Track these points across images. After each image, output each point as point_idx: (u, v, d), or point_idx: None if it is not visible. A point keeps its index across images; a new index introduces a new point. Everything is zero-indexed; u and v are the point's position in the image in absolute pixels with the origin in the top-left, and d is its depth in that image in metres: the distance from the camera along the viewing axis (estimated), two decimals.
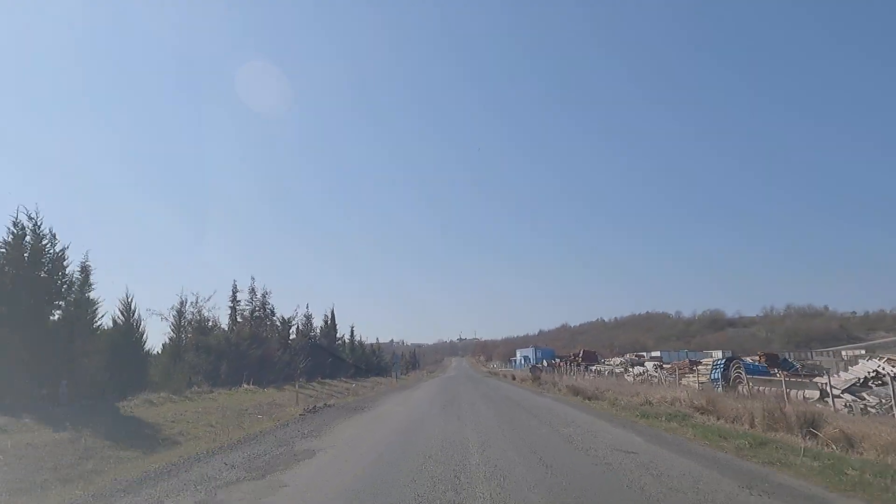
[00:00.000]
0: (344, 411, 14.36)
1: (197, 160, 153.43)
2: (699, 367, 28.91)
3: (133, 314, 16.91)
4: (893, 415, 12.25)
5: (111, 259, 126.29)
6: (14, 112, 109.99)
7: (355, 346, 53.72)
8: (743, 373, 22.71)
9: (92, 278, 17.64)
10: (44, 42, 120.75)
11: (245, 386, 19.99)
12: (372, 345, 65.87)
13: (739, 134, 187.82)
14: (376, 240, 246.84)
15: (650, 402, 16.64)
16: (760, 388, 20.07)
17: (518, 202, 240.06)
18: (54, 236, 13.11)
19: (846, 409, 15.81)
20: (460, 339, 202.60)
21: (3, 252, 12.26)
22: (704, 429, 9.62)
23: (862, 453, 7.53)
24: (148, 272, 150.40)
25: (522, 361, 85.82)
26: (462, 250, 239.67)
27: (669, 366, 34.17)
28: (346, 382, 33.45)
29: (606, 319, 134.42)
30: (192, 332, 25.02)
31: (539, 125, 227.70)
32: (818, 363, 37.31)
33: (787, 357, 33.81)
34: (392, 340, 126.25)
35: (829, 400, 16.20)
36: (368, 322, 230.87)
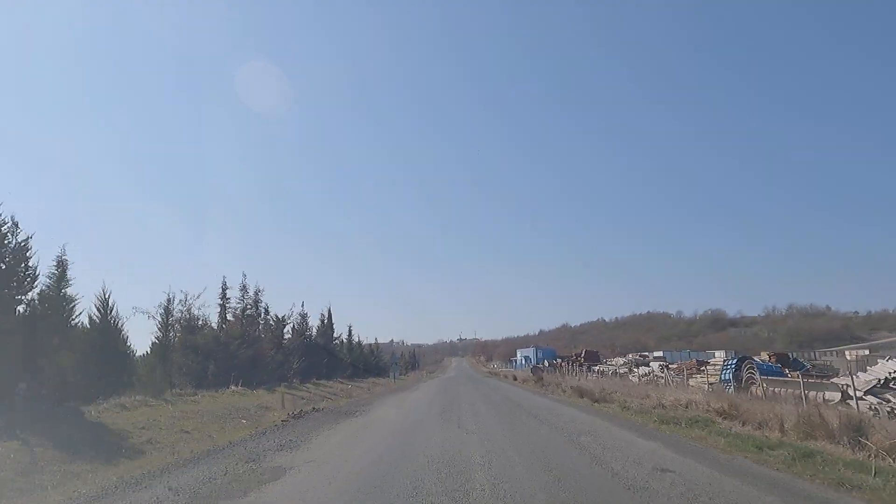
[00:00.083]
0: (333, 416, 13.17)
1: (197, 160, 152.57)
2: (707, 367, 27.88)
3: (111, 311, 15.84)
4: None
5: (111, 259, 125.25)
6: (14, 112, 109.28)
7: (353, 346, 52.64)
8: (756, 373, 21.63)
9: (70, 273, 16.72)
10: (44, 42, 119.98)
11: (233, 388, 18.92)
12: (370, 345, 64.83)
13: (739, 134, 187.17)
14: (376, 240, 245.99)
15: (663, 405, 15.61)
16: (775, 389, 19.04)
17: (518, 202, 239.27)
18: (16, 225, 12.03)
19: (871, 413, 14.77)
20: (460, 340, 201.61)
21: None
22: (734, 437, 8.57)
23: None
24: (148, 272, 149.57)
25: (523, 362, 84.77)
26: (462, 250, 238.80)
27: (676, 366, 33.07)
28: (342, 383, 32.37)
29: (607, 319, 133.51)
30: (181, 331, 23.98)
31: (539, 125, 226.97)
32: (828, 363, 36.29)
33: (797, 357, 32.78)
34: (392, 341, 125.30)
35: (853, 402, 15.15)
36: (368, 322, 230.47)
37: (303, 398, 19.92)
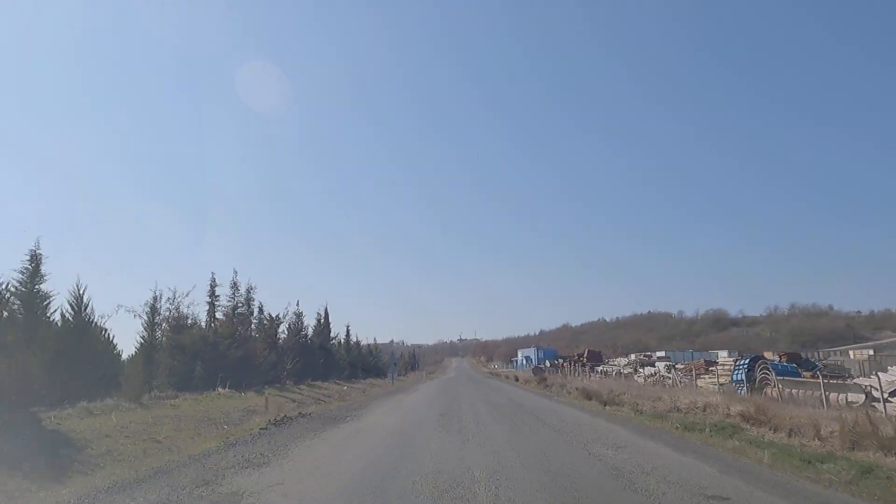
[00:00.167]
0: (320, 422, 11.97)
1: (197, 160, 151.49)
2: (716, 367, 26.83)
3: (85, 308, 14.78)
4: None
5: (111, 259, 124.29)
6: (14, 112, 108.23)
7: (351, 347, 51.57)
8: (771, 374, 20.55)
9: (44, 268, 15.67)
10: (44, 42, 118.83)
11: (220, 390, 17.85)
12: (369, 345, 63.79)
13: (739, 134, 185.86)
14: (376, 240, 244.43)
15: (678, 408, 14.58)
16: (792, 390, 18.01)
17: (518, 202, 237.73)
18: None
19: None
20: (460, 340, 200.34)
21: None
22: (775, 448, 7.50)
23: None
24: (149, 272, 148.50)
25: (524, 362, 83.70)
26: (462, 250, 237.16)
27: (683, 366, 31.98)
28: (338, 385, 31.33)
29: (608, 319, 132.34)
30: (169, 330, 22.92)
31: (539, 125, 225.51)
32: (838, 362, 35.26)
33: (808, 356, 31.71)
34: (392, 341, 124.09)
35: (879, 405, 14.10)
36: (368, 322, 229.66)
37: (294, 401, 18.85)
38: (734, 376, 22.77)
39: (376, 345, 69.28)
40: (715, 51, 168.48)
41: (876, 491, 5.17)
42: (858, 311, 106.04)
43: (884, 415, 12.50)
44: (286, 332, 33.21)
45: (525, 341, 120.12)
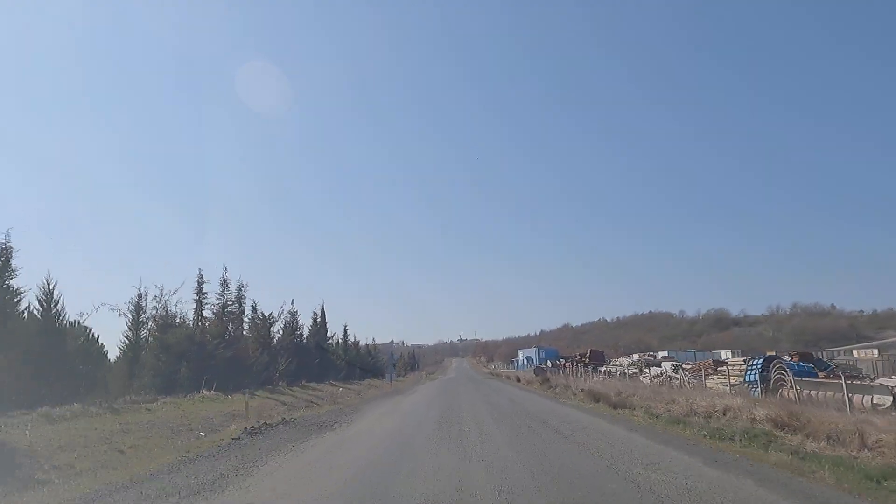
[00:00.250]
0: (303, 430, 10.75)
1: (197, 160, 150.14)
2: (726, 367, 25.77)
3: (56, 304, 13.71)
4: None
5: (111, 259, 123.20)
6: (14, 112, 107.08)
7: (348, 347, 50.50)
8: (788, 374, 19.49)
9: (14, 262, 14.64)
10: (44, 42, 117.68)
11: (205, 392, 16.77)
12: (367, 345, 62.72)
13: (739, 134, 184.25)
14: (376, 240, 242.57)
15: (695, 412, 13.52)
16: (811, 392, 16.97)
17: (518, 202, 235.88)
18: None
19: None
20: (461, 340, 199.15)
21: None
22: (828, 462, 6.44)
23: None
24: (149, 272, 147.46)
25: (525, 362, 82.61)
26: (462, 250, 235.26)
27: (690, 366, 30.90)
28: (333, 386, 30.26)
29: (608, 319, 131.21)
30: (156, 329, 21.84)
31: (539, 125, 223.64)
32: (849, 362, 34.27)
33: (821, 356, 30.68)
34: (392, 341, 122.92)
35: None
36: (368, 323, 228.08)
37: (284, 403, 17.76)
38: (747, 377, 21.73)
39: (375, 345, 68.24)
40: (715, 51, 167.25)
41: None
42: (861, 311, 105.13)
43: None
44: (281, 332, 32.20)
45: (525, 341, 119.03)
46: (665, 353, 52.16)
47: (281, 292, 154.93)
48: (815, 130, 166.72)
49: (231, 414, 13.70)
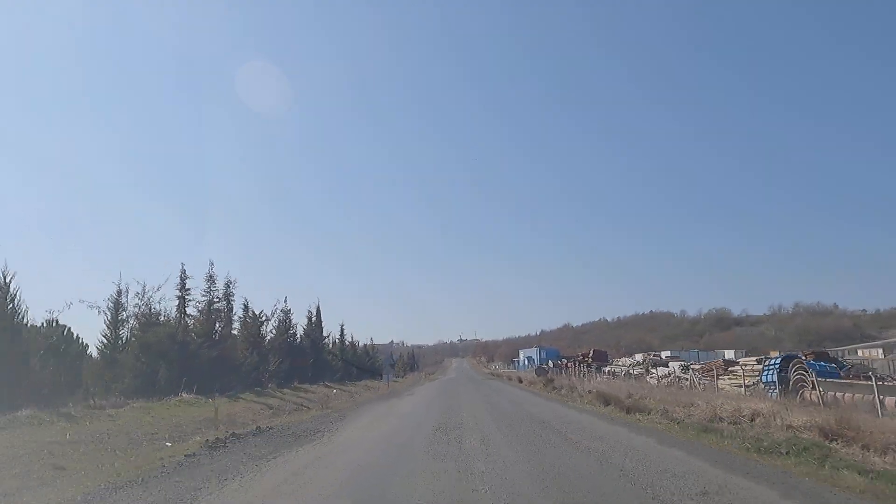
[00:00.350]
0: (276, 442, 9.18)
1: (197, 160, 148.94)
2: (739, 367, 24.53)
3: (13, 301, 12.41)
4: None
5: (111, 259, 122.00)
6: (14, 112, 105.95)
7: (345, 347, 49.23)
8: (809, 375, 18.22)
9: None
10: (44, 42, 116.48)
11: (184, 395, 15.48)
12: (365, 345, 61.43)
13: (739, 134, 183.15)
14: (376, 240, 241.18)
15: (720, 417, 12.24)
16: (836, 394, 15.73)
17: (518, 202, 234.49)
18: None
19: None
20: (461, 340, 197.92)
21: None
22: None
23: None
24: (148, 272, 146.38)
25: (526, 362, 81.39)
26: (462, 250, 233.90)
27: (700, 367, 29.62)
28: (327, 387, 28.97)
29: (609, 319, 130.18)
30: (138, 328, 20.56)
31: (539, 125, 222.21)
32: (865, 362, 33.08)
33: (836, 356, 29.44)
34: (392, 342, 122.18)
35: None
36: (368, 323, 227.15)
37: (271, 407, 16.46)
38: (764, 377, 20.50)
39: (373, 345, 66.99)
40: (715, 51, 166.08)
41: None
42: (864, 310, 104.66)
43: None
44: (274, 331, 30.94)
45: (526, 341, 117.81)
46: (668, 353, 50.94)
47: (281, 292, 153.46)
48: (815, 130, 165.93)
49: (207, 420, 12.40)
